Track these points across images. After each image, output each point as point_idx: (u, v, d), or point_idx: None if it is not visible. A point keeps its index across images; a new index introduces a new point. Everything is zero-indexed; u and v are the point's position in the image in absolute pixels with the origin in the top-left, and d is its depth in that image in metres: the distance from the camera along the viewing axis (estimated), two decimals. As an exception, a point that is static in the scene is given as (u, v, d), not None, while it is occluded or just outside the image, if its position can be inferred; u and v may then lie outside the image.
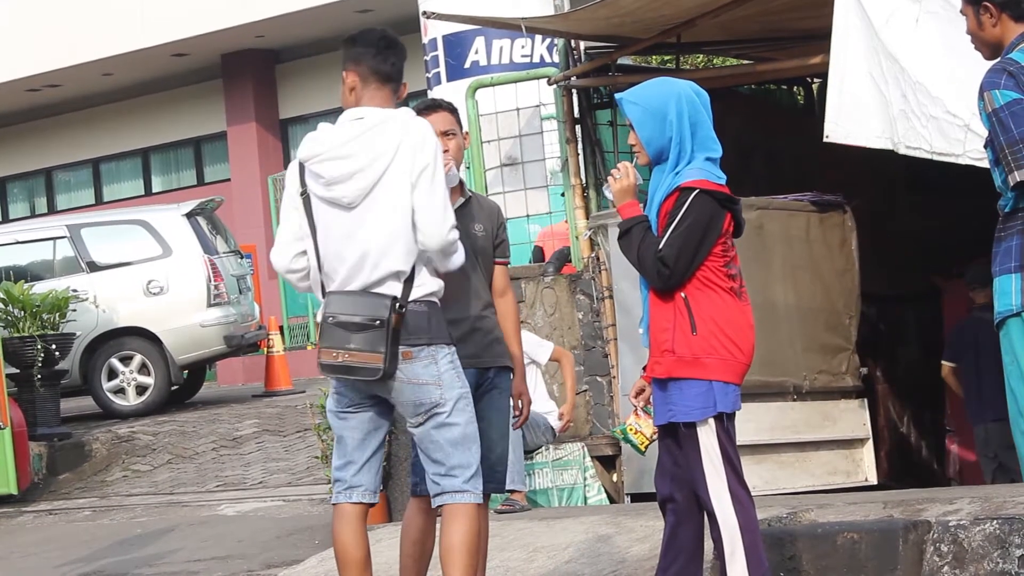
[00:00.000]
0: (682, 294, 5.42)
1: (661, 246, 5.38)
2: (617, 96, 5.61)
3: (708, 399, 5.40)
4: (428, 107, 6.33)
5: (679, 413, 5.44)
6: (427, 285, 5.61)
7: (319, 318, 5.72)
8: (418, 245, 5.57)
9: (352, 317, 5.54)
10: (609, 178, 5.59)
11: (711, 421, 5.41)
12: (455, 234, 5.60)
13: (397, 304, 5.52)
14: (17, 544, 11.29)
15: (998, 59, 5.05)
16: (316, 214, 5.68)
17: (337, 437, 5.88)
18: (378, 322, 5.50)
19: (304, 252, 5.73)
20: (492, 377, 6.19)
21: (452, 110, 6.37)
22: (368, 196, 5.57)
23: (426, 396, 5.59)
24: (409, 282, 5.56)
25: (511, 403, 6.28)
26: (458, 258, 5.70)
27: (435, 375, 5.58)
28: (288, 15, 22.54)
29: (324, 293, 5.69)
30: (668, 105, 5.47)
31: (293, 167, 5.77)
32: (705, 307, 5.41)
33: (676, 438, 5.51)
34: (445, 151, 6.12)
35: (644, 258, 5.43)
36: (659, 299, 5.47)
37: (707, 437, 5.41)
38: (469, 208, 6.27)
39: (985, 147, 5.17)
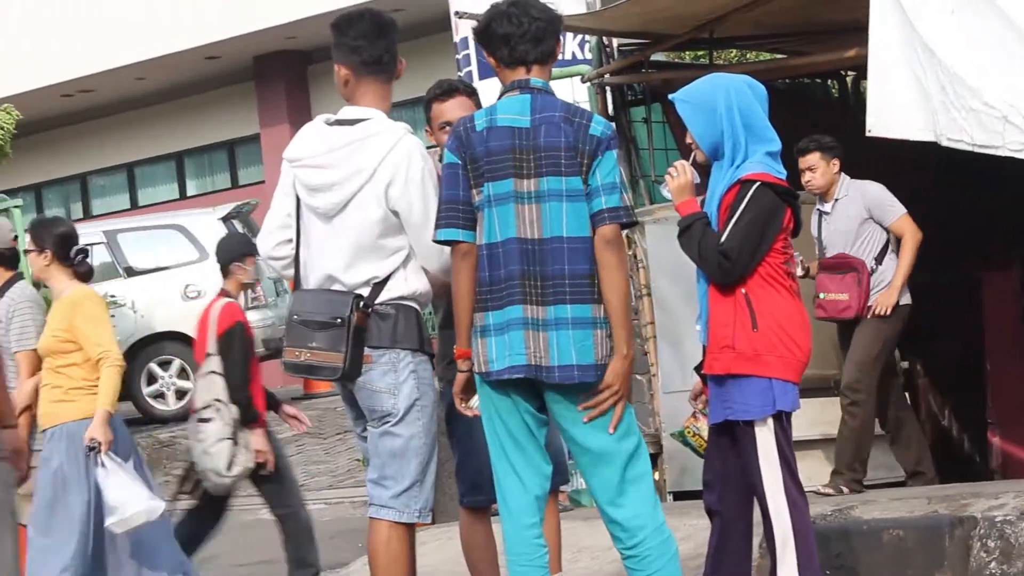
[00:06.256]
0: (743, 290, 5.35)
1: (723, 239, 5.32)
2: (670, 97, 5.57)
3: (767, 397, 5.31)
4: (445, 91, 6.01)
5: (737, 411, 5.35)
6: (400, 287, 5.45)
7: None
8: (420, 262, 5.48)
9: (314, 315, 5.42)
10: (667, 176, 5.56)
11: (769, 420, 5.33)
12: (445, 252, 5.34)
13: (361, 303, 5.38)
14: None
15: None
16: (302, 214, 5.59)
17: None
18: (339, 320, 5.35)
19: (289, 240, 5.63)
20: None
21: (471, 93, 6.07)
22: (344, 210, 5.45)
23: (379, 404, 5.44)
24: (380, 285, 5.43)
25: None
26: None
27: (392, 383, 5.42)
28: (319, 16, 22.49)
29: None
30: (716, 99, 5.43)
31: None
32: (766, 304, 5.35)
33: (731, 437, 5.44)
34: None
35: (706, 253, 5.36)
36: (719, 294, 5.41)
37: (765, 436, 5.33)
38: None
39: None
